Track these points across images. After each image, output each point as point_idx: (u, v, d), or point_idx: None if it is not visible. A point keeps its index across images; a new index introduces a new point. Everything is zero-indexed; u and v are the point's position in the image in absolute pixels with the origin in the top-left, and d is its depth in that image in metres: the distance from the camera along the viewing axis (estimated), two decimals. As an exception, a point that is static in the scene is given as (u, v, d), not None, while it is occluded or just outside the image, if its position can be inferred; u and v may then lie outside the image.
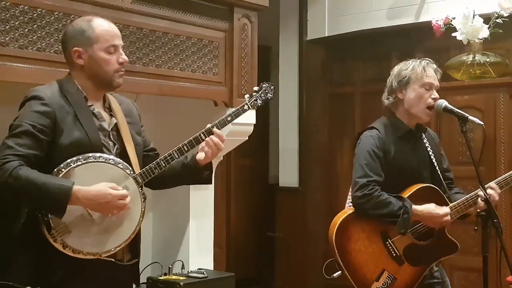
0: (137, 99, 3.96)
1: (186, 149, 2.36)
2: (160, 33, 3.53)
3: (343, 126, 5.58)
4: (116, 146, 2.34)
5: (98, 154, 2.23)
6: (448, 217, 2.80)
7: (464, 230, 3.76)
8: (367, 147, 2.84)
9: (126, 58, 2.36)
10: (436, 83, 2.88)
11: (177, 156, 2.34)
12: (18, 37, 2.92)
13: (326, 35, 5.56)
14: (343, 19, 5.42)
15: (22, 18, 2.93)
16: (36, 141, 2.16)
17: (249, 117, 4.01)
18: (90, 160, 2.20)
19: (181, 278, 3.80)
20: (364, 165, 2.80)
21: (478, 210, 2.71)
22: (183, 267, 3.97)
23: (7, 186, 2.09)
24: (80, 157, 2.19)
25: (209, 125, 2.40)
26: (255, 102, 2.52)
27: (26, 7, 2.94)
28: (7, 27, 2.88)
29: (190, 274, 3.88)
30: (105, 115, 2.36)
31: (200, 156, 2.40)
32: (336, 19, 5.48)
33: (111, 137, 2.34)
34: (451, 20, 4.39)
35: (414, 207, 2.76)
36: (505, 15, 4.24)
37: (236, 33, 3.91)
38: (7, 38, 2.88)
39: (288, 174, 5.83)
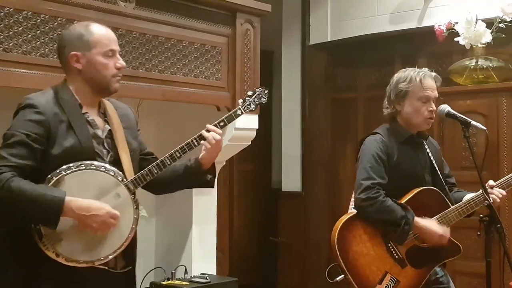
0: (140, 105, 3.98)
1: (178, 155, 2.34)
2: (163, 39, 3.54)
3: (346, 131, 5.58)
4: (110, 154, 2.31)
5: (89, 162, 2.20)
6: (446, 239, 2.82)
7: (467, 235, 3.75)
8: (371, 150, 2.86)
9: (123, 63, 2.34)
10: (434, 94, 2.91)
11: (169, 163, 2.32)
12: (21, 42, 2.93)
13: (329, 40, 5.56)
14: (346, 24, 5.42)
15: (25, 23, 2.94)
16: (30, 150, 2.13)
17: (252, 122, 4.01)
18: (81, 168, 2.18)
19: (184, 283, 3.80)
20: (369, 168, 2.82)
21: (481, 216, 2.71)
22: (186, 272, 3.96)
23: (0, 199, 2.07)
24: (71, 165, 2.16)
25: (202, 132, 2.39)
26: (248, 106, 2.47)
27: (30, 13, 2.95)
28: (10, 32, 2.89)
29: (193, 279, 3.88)
30: (99, 122, 2.33)
31: (203, 155, 2.39)
32: (339, 24, 5.48)
33: (105, 144, 2.31)
34: (454, 25, 4.40)
35: (416, 219, 2.77)
36: (508, 20, 4.24)
37: (238, 38, 3.91)
38: (10, 44, 2.89)
39: (291, 179, 5.82)
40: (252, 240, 5.96)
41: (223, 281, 3.99)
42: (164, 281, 3.82)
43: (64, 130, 2.19)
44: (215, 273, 4.20)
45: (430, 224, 2.81)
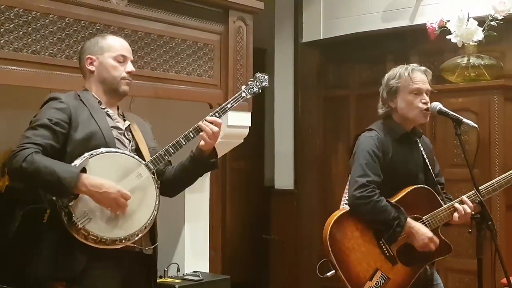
0: (132, 102, 3.97)
1: (192, 136, 2.46)
2: (155, 36, 3.53)
3: (338, 128, 5.59)
4: (131, 143, 2.48)
5: (111, 148, 2.35)
6: (436, 243, 2.82)
7: (459, 233, 3.78)
8: (366, 147, 2.86)
9: (133, 68, 2.52)
10: (426, 86, 2.90)
11: (184, 143, 2.45)
12: (12, 40, 2.91)
13: (321, 38, 5.56)
14: (338, 22, 5.42)
15: (16, 21, 2.93)
16: (52, 132, 2.29)
17: (245, 120, 4.01)
18: (104, 152, 2.32)
19: (176, 280, 3.80)
20: (364, 164, 2.82)
21: (473, 213, 2.72)
22: (178, 270, 3.96)
23: (21, 170, 2.19)
24: (93, 152, 2.31)
25: (211, 113, 2.49)
26: (252, 89, 2.60)
27: (21, 10, 2.94)
28: (1, 30, 2.88)
29: (186, 277, 3.88)
30: (119, 118, 2.51)
31: (201, 142, 2.49)
32: (331, 21, 5.48)
33: (126, 135, 2.48)
34: (446, 23, 4.41)
35: (409, 221, 2.78)
36: (500, 18, 4.26)
37: (231, 36, 3.91)
38: (1, 41, 2.88)
39: (283, 176, 5.83)
40: (245, 238, 5.96)
41: (215, 279, 3.99)
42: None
43: (86, 118, 2.36)
44: (207, 271, 4.20)
45: (422, 227, 2.81)
